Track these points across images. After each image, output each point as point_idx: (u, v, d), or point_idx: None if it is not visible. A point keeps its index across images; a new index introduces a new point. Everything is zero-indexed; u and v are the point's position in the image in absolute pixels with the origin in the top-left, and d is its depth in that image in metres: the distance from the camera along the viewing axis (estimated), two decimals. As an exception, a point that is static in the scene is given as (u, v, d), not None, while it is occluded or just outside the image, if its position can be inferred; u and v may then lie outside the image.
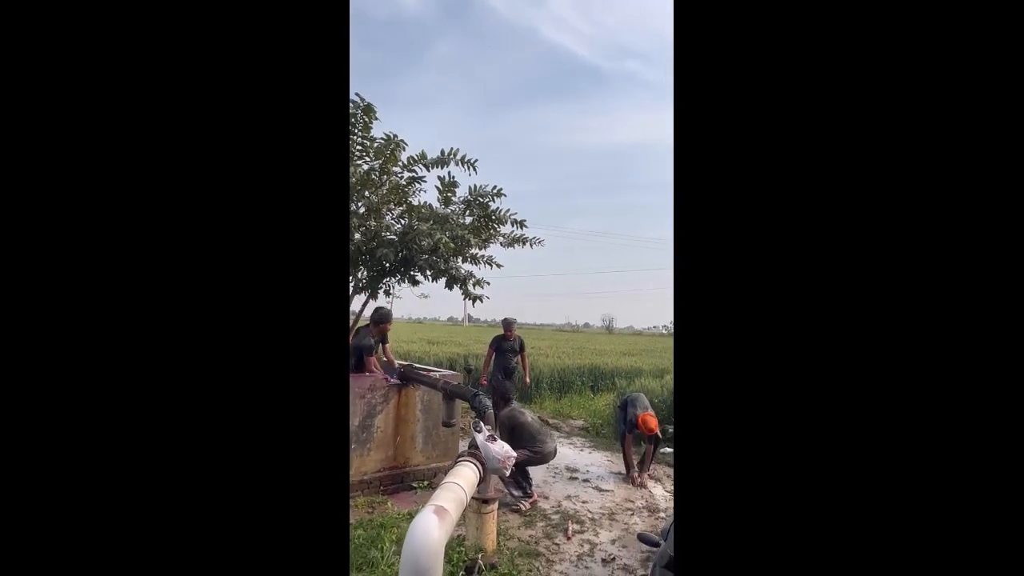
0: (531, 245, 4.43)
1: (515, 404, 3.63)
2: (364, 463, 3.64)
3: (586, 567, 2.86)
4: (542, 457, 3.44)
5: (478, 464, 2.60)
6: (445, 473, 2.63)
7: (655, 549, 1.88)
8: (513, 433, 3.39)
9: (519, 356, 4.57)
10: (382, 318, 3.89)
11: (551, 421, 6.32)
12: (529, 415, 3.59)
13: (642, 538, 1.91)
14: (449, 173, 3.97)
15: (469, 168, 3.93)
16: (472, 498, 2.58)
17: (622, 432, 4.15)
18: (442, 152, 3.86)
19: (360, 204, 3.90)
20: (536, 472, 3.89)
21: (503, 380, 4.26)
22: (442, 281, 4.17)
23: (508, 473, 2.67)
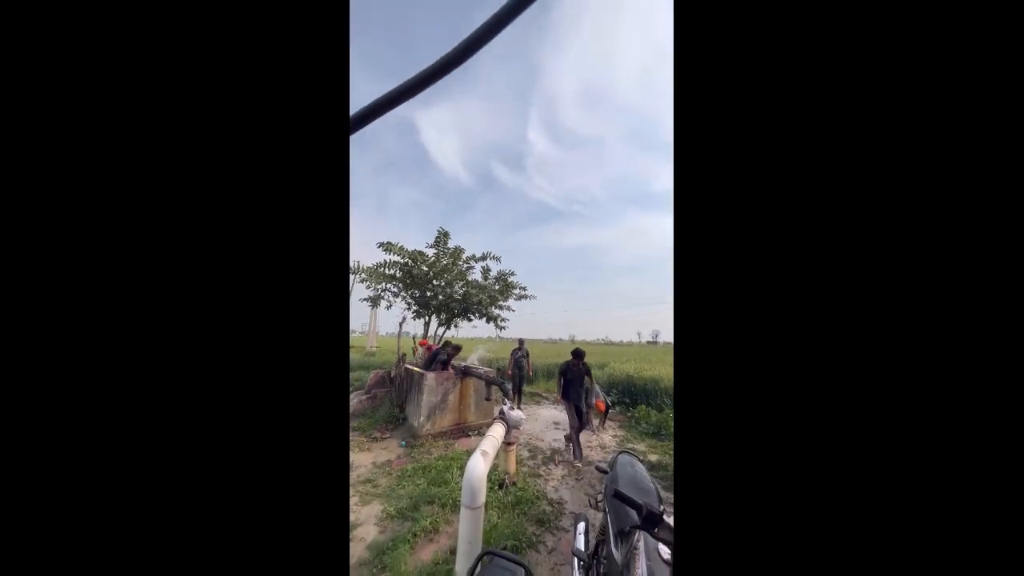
0: (528, 299, 7.62)
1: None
2: (442, 421, 5.31)
3: (566, 484, 3.93)
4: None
5: (505, 422, 3.52)
6: (486, 428, 3.72)
7: (607, 474, 2.12)
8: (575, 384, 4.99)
9: (526, 361, 6.97)
10: (454, 349, 6.31)
11: (543, 394, 9.49)
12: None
13: (598, 467, 2.19)
14: (486, 264, 7.30)
15: (496, 261, 7.20)
16: (502, 443, 3.55)
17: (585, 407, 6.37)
18: (483, 254, 7.69)
19: (442, 281, 6.97)
20: (533, 424, 6.09)
21: (517, 373, 6.86)
22: (484, 319, 7.41)
23: (520, 428, 3.58)
